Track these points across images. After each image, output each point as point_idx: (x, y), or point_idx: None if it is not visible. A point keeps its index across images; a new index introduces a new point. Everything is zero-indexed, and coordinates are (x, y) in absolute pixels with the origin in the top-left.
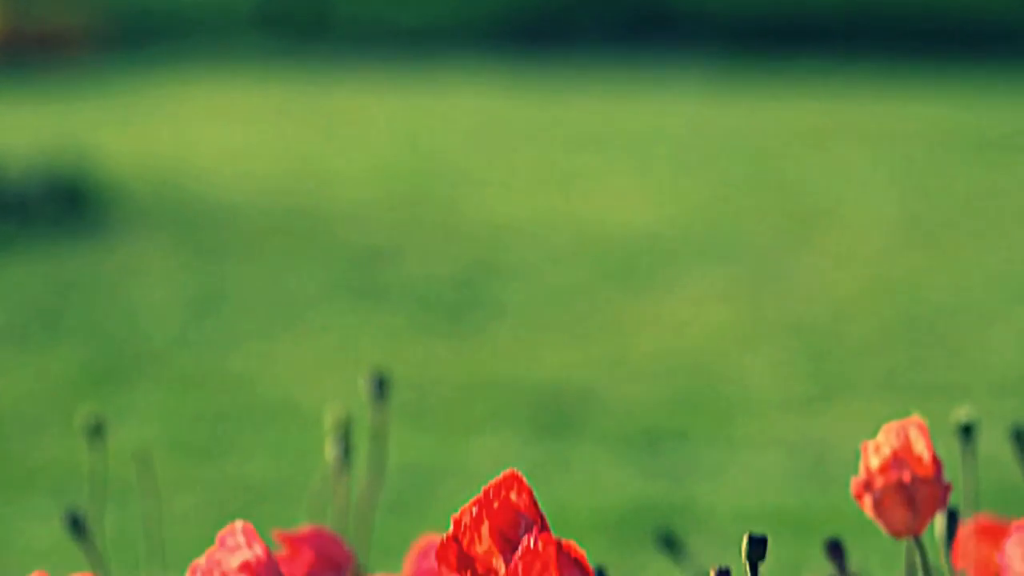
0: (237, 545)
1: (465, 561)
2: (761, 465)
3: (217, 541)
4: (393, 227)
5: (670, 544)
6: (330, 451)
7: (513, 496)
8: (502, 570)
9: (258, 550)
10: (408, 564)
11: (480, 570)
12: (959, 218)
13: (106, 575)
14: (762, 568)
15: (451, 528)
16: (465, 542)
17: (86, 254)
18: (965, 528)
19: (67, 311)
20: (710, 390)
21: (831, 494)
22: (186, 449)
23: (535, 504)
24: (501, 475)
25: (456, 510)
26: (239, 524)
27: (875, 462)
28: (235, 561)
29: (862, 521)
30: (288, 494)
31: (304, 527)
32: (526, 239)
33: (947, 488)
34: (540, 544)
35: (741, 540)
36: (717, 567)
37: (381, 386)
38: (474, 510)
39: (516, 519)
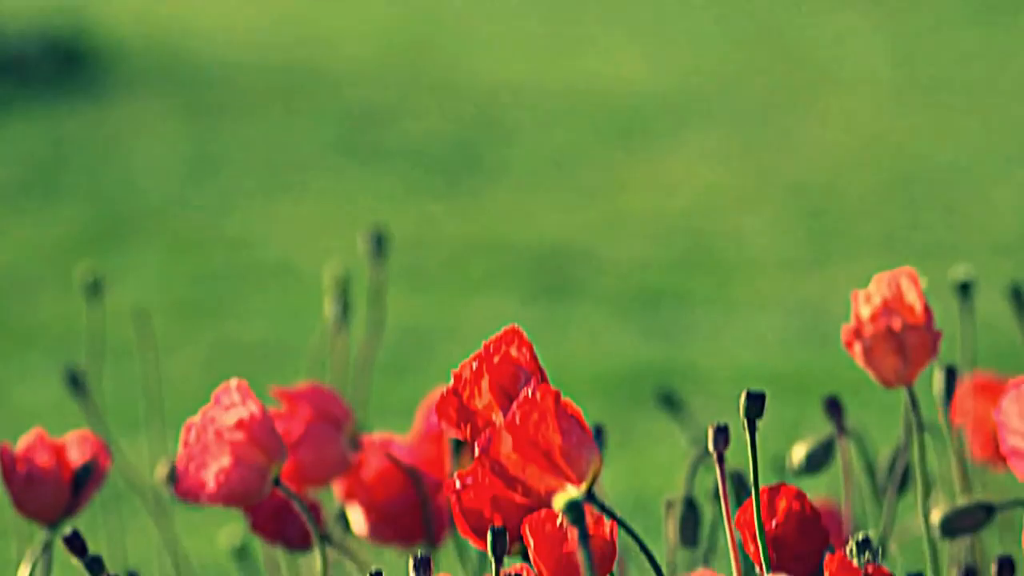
0: (232, 403)
1: (465, 415)
2: (759, 326)
3: (212, 399)
4: (393, 86)
5: (670, 402)
6: (329, 309)
7: (513, 351)
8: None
9: (253, 407)
10: (418, 420)
11: (480, 424)
12: (959, 79)
13: (105, 433)
14: (760, 427)
15: (451, 383)
16: (465, 396)
17: (84, 114)
18: (963, 386)
19: (65, 171)
20: (708, 251)
21: (829, 354)
22: (184, 309)
23: (535, 359)
24: (501, 330)
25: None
26: (234, 382)
27: (866, 311)
28: (230, 419)
29: (860, 380)
30: (286, 354)
31: (302, 384)
32: (526, 99)
33: (937, 336)
34: (539, 394)
35: (739, 400)
36: (715, 424)
37: (379, 244)
38: (474, 365)
39: (516, 374)
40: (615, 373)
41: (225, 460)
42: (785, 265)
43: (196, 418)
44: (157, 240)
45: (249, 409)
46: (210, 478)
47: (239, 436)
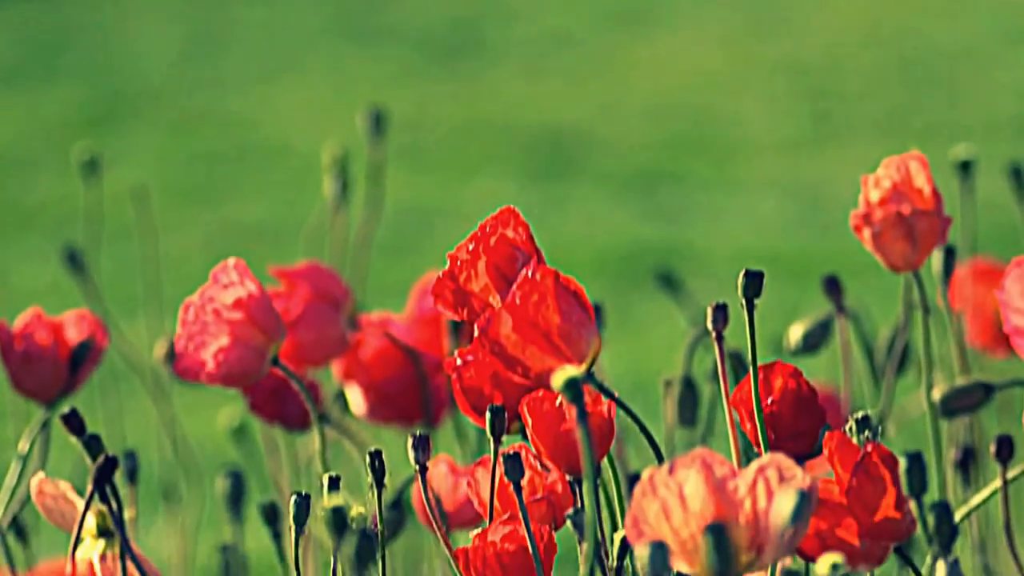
0: (230, 282)
1: (461, 298)
2: (758, 208)
3: (210, 278)
4: None
5: (668, 282)
6: (327, 189)
7: (509, 232)
8: (499, 307)
9: (251, 286)
10: (411, 302)
11: (476, 307)
12: None
13: (103, 314)
14: (759, 307)
15: (447, 265)
16: (461, 279)
17: None
18: (962, 271)
19: (64, 51)
20: (707, 132)
21: (828, 236)
22: (183, 190)
23: (531, 240)
24: (497, 211)
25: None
26: (232, 261)
27: (875, 195)
28: (228, 297)
29: (860, 262)
30: (285, 234)
31: (301, 263)
32: None
33: (947, 221)
34: (538, 275)
35: (738, 281)
36: (713, 303)
37: (378, 123)
38: (470, 246)
39: (513, 255)
40: (613, 254)
41: (223, 339)
42: (784, 146)
43: (194, 297)
44: (156, 121)
45: (247, 288)
46: (208, 357)
47: (237, 315)
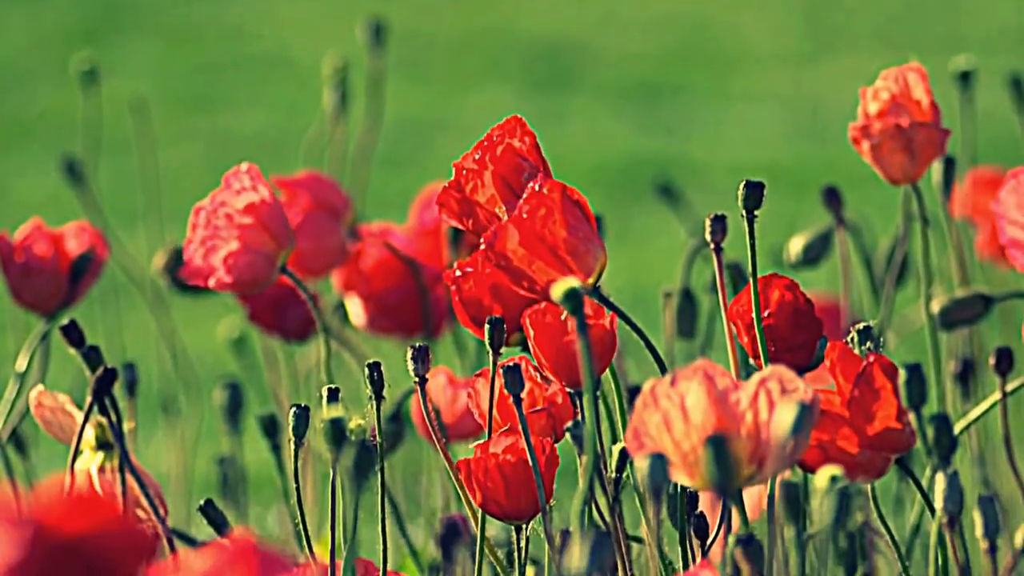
0: (242, 187)
1: (467, 208)
2: (757, 120)
3: (223, 183)
4: None
5: (667, 193)
6: (327, 100)
7: (516, 142)
8: (505, 218)
9: (263, 192)
10: (413, 213)
11: (482, 217)
12: None
13: (103, 226)
14: (758, 219)
15: (453, 175)
16: (467, 189)
17: None
18: (963, 180)
19: None
20: (707, 44)
21: (827, 148)
22: (182, 101)
23: (538, 149)
24: (503, 120)
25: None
26: (245, 166)
27: (873, 107)
28: (240, 202)
29: (859, 174)
30: (284, 146)
31: (301, 172)
32: None
33: (945, 133)
34: (546, 188)
35: (737, 192)
36: (712, 214)
37: (378, 33)
38: (476, 156)
39: (519, 165)
40: (612, 166)
41: (234, 244)
42: (784, 58)
43: (205, 202)
44: (155, 31)
45: (260, 193)
46: (219, 262)
47: (248, 220)
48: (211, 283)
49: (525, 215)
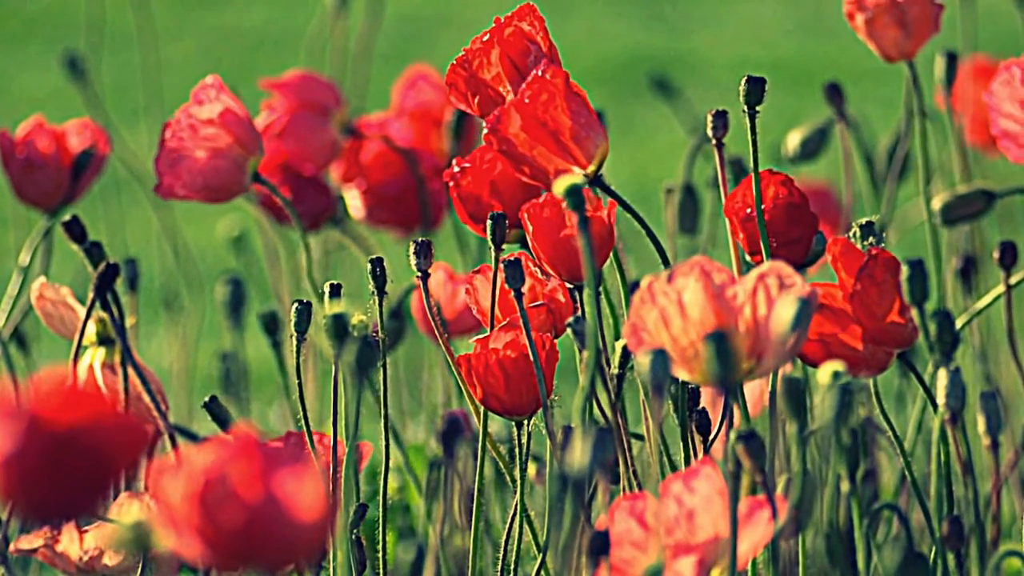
0: (207, 99)
1: (473, 85)
2: (759, 16)
3: (191, 97)
4: None
5: (663, 87)
6: None
7: (525, 25)
8: (509, 98)
9: (228, 101)
10: (396, 96)
11: (488, 95)
12: None
13: (104, 121)
14: (760, 115)
15: (460, 55)
16: (474, 65)
17: None
18: (963, 70)
19: None
20: None
21: (830, 45)
22: None
23: (547, 35)
24: (517, 7)
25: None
26: (210, 79)
27: None
28: (204, 113)
29: (861, 69)
30: (286, 41)
31: (292, 73)
32: None
33: (939, 9)
34: (549, 74)
35: (739, 88)
36: (713, 110)
37: None
38: (485, 36)
39: (527, 48)
40: (614, 62)
41: (200, 153)
42: None
43: (173, 117)
44: None
45: (223, 103)
46: (185, 171)
47: (212, 130)
48: (179, 192)
49: (527, 99)
